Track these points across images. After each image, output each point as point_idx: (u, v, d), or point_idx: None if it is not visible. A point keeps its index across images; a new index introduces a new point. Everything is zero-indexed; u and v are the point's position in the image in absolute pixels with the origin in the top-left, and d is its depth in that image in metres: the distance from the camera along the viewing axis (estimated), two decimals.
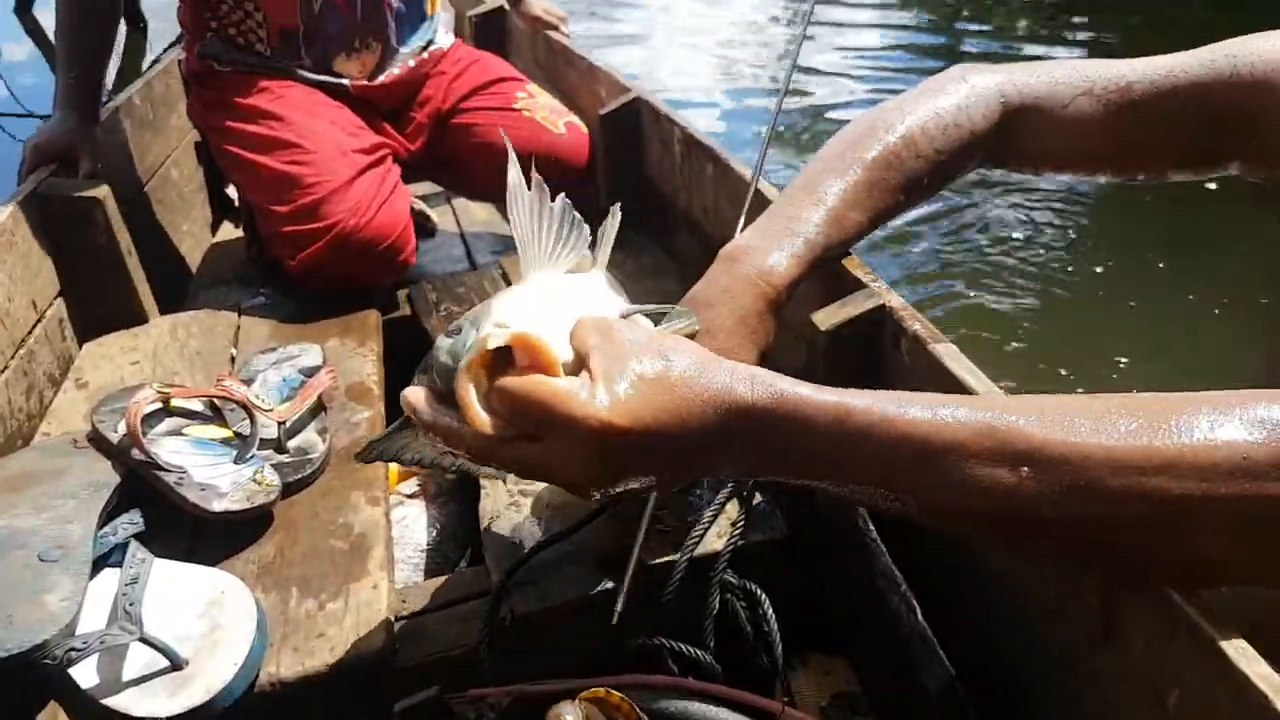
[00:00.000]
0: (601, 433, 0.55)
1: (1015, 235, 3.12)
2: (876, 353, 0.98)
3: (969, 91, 0.94)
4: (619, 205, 0.79)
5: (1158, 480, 0.52)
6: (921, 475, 0.56)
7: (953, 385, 0.84)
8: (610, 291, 0.74)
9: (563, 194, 0.71)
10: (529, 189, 0.69)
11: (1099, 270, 2.97)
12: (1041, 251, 3.03)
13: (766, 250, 0.89)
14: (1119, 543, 0.56)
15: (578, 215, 0.72)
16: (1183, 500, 0.52)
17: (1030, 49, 5.30)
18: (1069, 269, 2.96)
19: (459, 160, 1.86)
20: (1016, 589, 0.79)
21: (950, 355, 0.87)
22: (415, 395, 0.64)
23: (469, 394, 0.58)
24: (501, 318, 0.61)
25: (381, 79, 1.74)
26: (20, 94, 4.82)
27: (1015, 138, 0.94)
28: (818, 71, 4.88)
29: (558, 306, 0.65)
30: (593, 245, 0.76)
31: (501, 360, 0.58)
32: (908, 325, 0.92)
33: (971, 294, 2.84)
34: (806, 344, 1.01)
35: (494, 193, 1.96)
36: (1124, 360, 2.49)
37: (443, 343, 0.63)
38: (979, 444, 0.55)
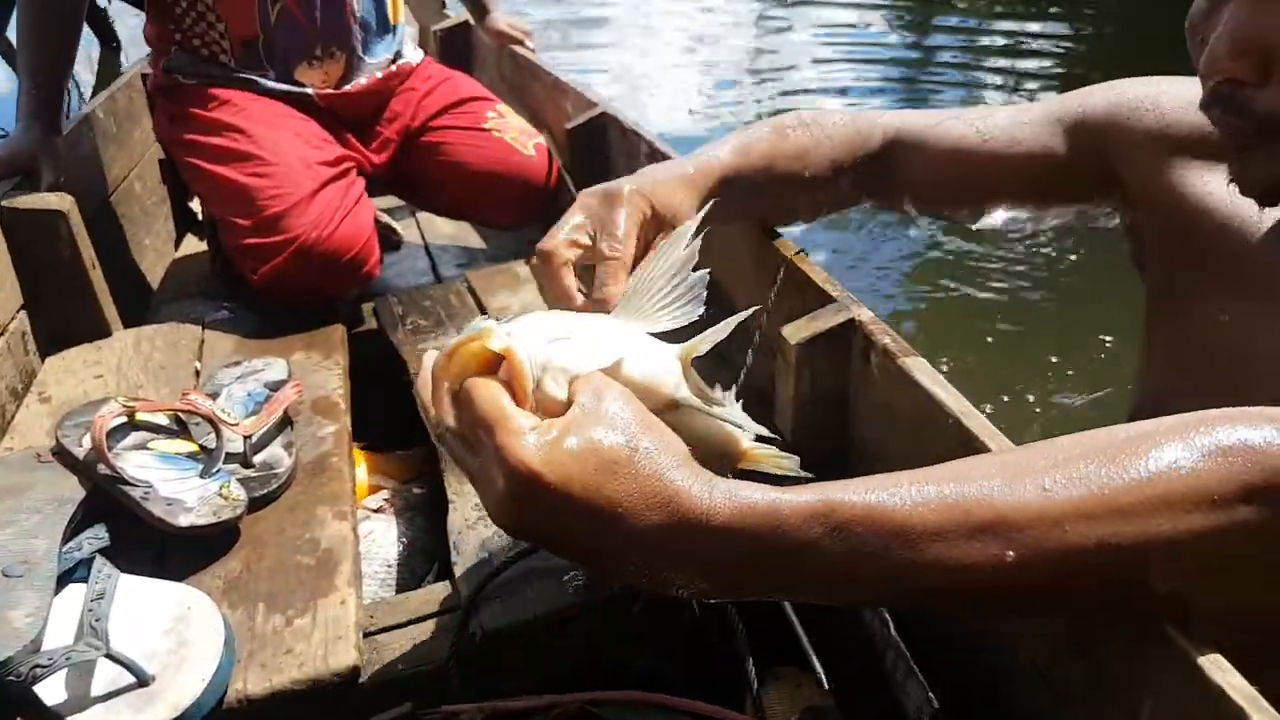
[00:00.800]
0: (525, 478, 0.52)
1: (984, 234, 3.16)
2: (846, 366, 0.99)
3: (866, 118, 1.06)
4: (747, 313, 0.67)
5: (1136, 532, 0.52)
6: (895, 563, 0.53)
7: (924, 399, 0.84)
8: (672, 369, 0.65)
9: (706, 271, 0.67)
10: (685, 245, 0.66)
11: (1074, 259, 3.04)
12: (1014, 250, 3.09)
13: (670, 184, 0.91)
14: (1108, 597, 0.56)
15: (703, 295, 0.67)
16: (1162, 547, 0.52)
17: (1003, 28, 5.40)
18: (1050, 255, 3.05)
19: (427, 178, 1.86)
20: None
21: (920, 369, 0.87)
22: (432, 356, 0.64)
23: (441, 370, 0.58)
24: (524, 330, 0.59)
25: (347, 89, 1.74)
26: None
27: (891, 167, 1.04)
28: (793, 55, 4.96)
29: (600, 353, 0.61)
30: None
31: (495, 364, 0.58)
32: (877, 339, 0.93)
33: (944, 295, 2.88)
34: (777, 358, 1.01)
35: (461, 211, 1.96)
36: (1109, 339, 2.55)
37: (478, 319, 0.61)
38: (954, 525, 0.53)
